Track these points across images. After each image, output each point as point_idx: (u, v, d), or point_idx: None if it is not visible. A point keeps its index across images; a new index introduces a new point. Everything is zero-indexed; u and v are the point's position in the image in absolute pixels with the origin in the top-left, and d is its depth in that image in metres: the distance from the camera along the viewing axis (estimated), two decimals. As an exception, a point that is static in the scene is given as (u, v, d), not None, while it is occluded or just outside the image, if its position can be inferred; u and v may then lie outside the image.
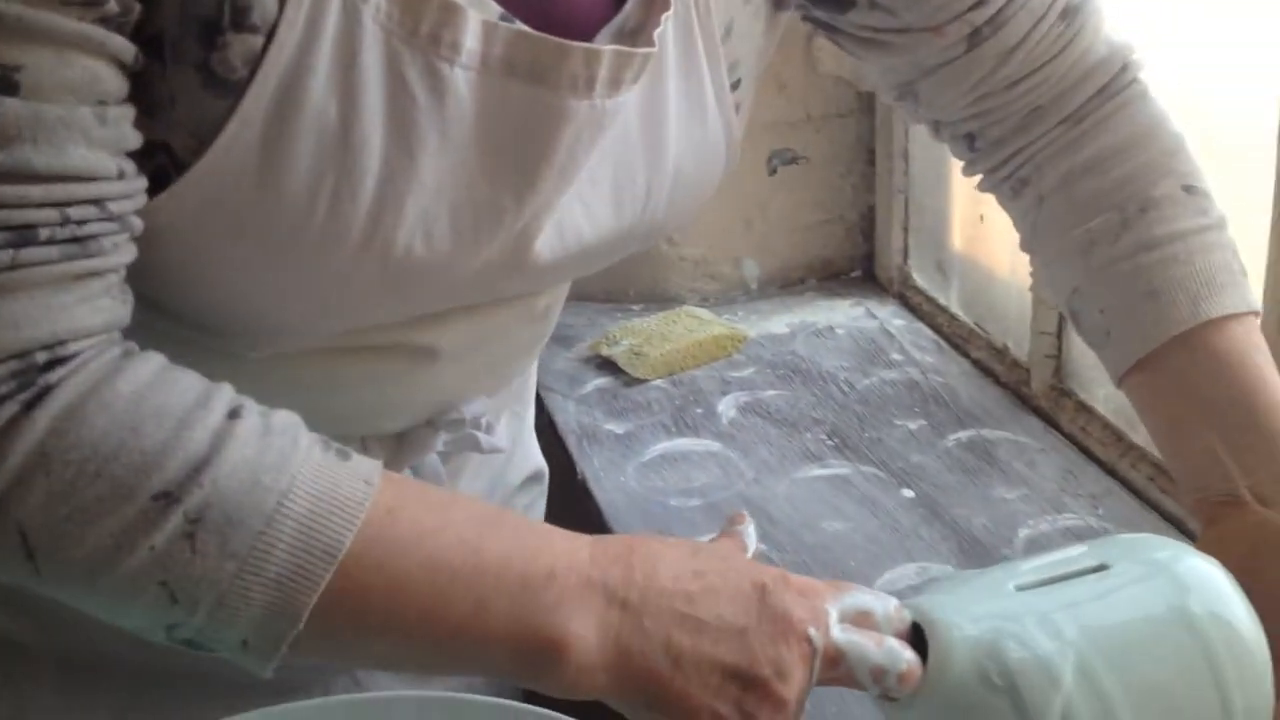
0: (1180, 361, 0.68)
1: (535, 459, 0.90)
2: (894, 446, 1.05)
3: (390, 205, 0.58)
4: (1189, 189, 0.70)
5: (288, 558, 0.51)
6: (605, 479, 1.01)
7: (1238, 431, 0.67)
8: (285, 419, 0.54)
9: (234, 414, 0.52)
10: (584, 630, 0.55)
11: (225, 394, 0.53)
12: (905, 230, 1.33)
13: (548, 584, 0.55)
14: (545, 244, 0.64)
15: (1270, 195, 0.83)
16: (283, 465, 0.52)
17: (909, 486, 0.99)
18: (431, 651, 0.56)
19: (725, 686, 0.56)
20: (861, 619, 0.58)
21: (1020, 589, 0.62)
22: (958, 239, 1.25)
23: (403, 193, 0.58)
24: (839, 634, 0.57)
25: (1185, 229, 0.69)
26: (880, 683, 0.57)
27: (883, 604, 0.59)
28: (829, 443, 1.06)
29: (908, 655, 0.58)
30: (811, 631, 0.56)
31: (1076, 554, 0.64)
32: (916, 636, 0.60)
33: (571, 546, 0.57)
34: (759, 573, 0.58)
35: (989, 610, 0.60)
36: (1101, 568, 0.63)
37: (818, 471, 1.02)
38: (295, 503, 0.51)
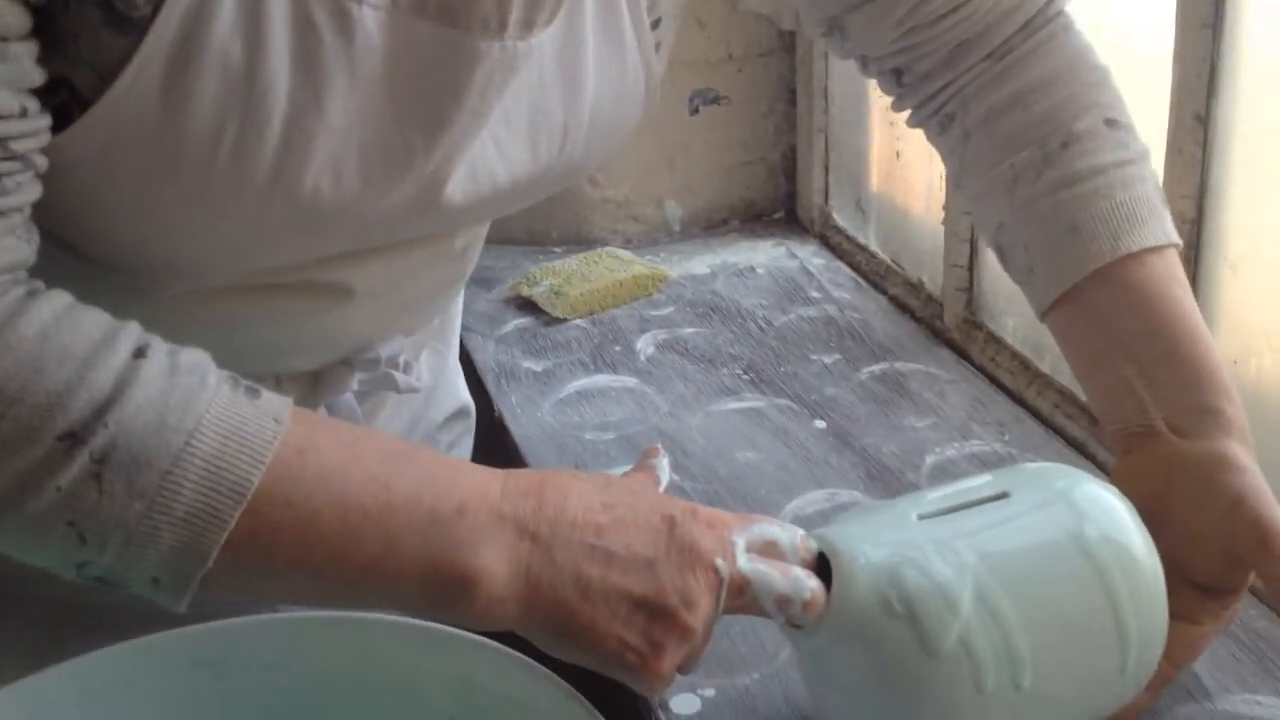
0: (1099, 296, 0.70)
1: (460, 396, 0.91)
2: (808, 380, 1.06)
3: (297, 146, 0.58)
4: (1111, 122, 0.71)
5: (195, 497, 0.51)
6: (522, 415, 1.02)
7: (1153, 365, 0.68)
8: (193, 357, 0.54)
9: (140, 353, 0.52)
10: (494, 563, 0.55)
11: (131, 332, 0.53)
12: (826, 169, 1.34)
13: (458, 519, 0.55)
14: (457, 186, 0.64)
15: (1166, 110, 0.84)
16: (189, 405, 0.52)
17: (821, 418, 1.00)
18: (343, 588, 0.57)
19: (633, 616, 0.57)
20: (768, 549, 0.60)
21: (922, 518, 0.63)
22: (876, 177, 1.26)
23: (310, 134, 0.58)
24: (745, 564, 0.58)
25: (1106, 163, 0.70)
26: (785, 611, 0.59)
27: (789, 534, 0.61)
28: (745, 378, 1.07)
29: (812, 584, 0.59)
30: (718, 562, 0.57)
31: (979, 484, 0.66)
32: (821, 566, 0.61)
33: (482, 481, 0.57)
34: (668, 505, 0.59)
35: (891, 539, 0.62)
36: (1002, 496, 0.65)
37: (733, 405, 1.03)
38: (202, 442, 0.52)
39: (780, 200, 1.40)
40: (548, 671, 0.60)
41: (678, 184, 1.36)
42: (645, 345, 1.13)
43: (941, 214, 1.11)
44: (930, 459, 0.94)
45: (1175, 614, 0.67)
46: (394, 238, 0.68)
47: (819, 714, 0.67)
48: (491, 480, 0.57)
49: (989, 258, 1.08)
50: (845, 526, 0.63)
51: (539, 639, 0.58)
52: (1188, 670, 0.71)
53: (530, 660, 0.61)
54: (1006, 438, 0.96)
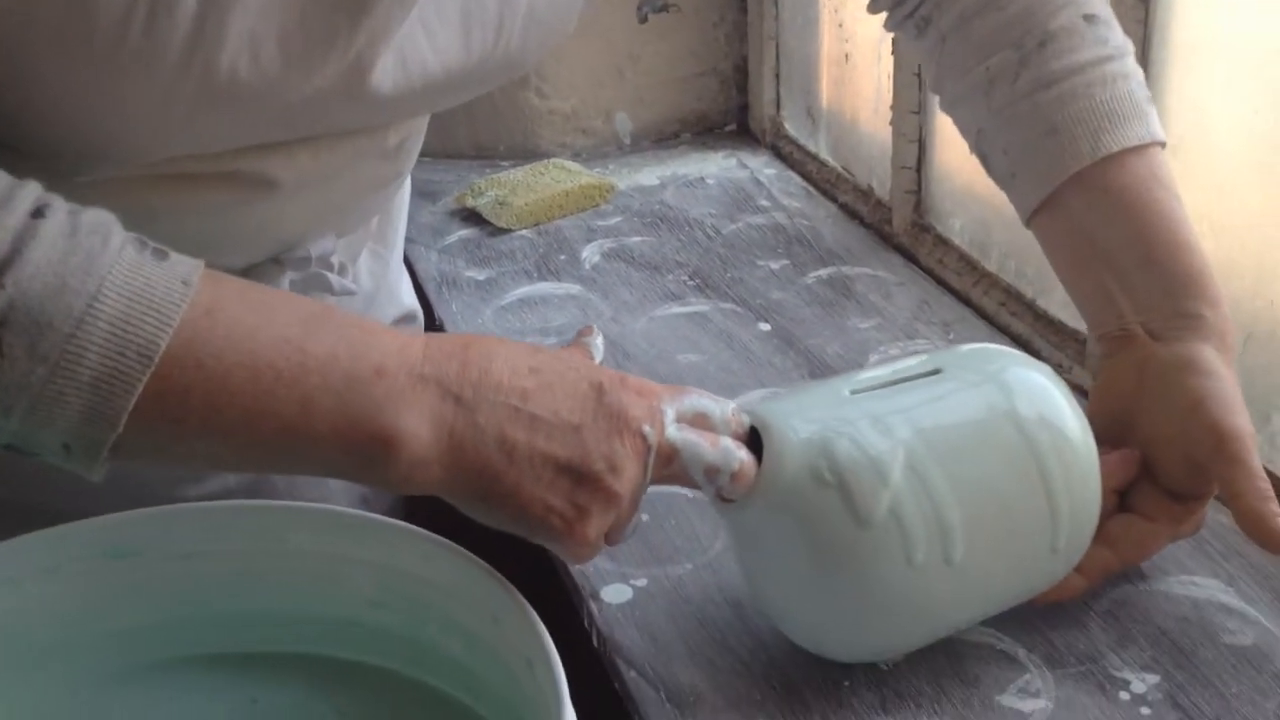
0: (1079, 201, 0.68)
1: (404, 303, 0.89)
2: (754, 285, 1.05)
3: (211, 24, 0.55)
4: (1089, 18, 0.69)
5: (101, 361, 0.50)
6: (462, 322, 1.00)
7: (1131, 271, 0.67)
8: (96, 217, 0.52)
9: (38, 213, 0.50)
10: (416, 425, 0.54)
11: (30, 192, 0.51)
12: (777, 78, 1.32)
13: (376, 380, 0.54)
14: (385, 73, 0.62)
15: None
16: (90, 266, 0.50)
17: (766, 320, 0.99)
18: (259, 451, 0.55)
19: (558, 480, 0.55)
20: (699, 420, 0.58)
21: (855, 393, 0.62)
22: (825, 83, 1.24)
23: (225, 11, 0.55)
24: (674, 432, 0.57)
25: (1084, 61, 0.68)
26: (714, 481, 0.57)
27: (720, 407, 0.59)
28: (690, 283, 1.06)
29: (742, 455, 0.58)
30: (646, 429, 0.56)
31: (913, 363, 0.65)
32: (754, 441, 0.60)
33: (402, 343, 0.56)
34: (597, 373, 0.57)
35: (823, 413, 0.61)
36: (935, 373, 0.64)
37: (676, 309, 1.01)
38: (105, 304, 0.50)
39: (732, 112, 1.38)
40: (470, 555, 0.59)
41: (627, 96, 1.34)
42: (591, 254, 1.11)
43: (890, 115, 1.09)
44: (874, 358, 0.93)
45: (1134, 508, 0.66)
46: (321, 128, 0.66)
47: (753, 593, 0.66)
48: (412, 343, 0.56)
49: (937, 159, 1.07)
50: (777, 403, 0.62)
51: (463, 504, 0.57)
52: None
53: (453, 544, 0.60)
54: (951, 336, 0.95)
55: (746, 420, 0.61)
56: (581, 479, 0.56)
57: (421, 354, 0.55)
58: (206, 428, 0.53)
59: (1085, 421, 0.64)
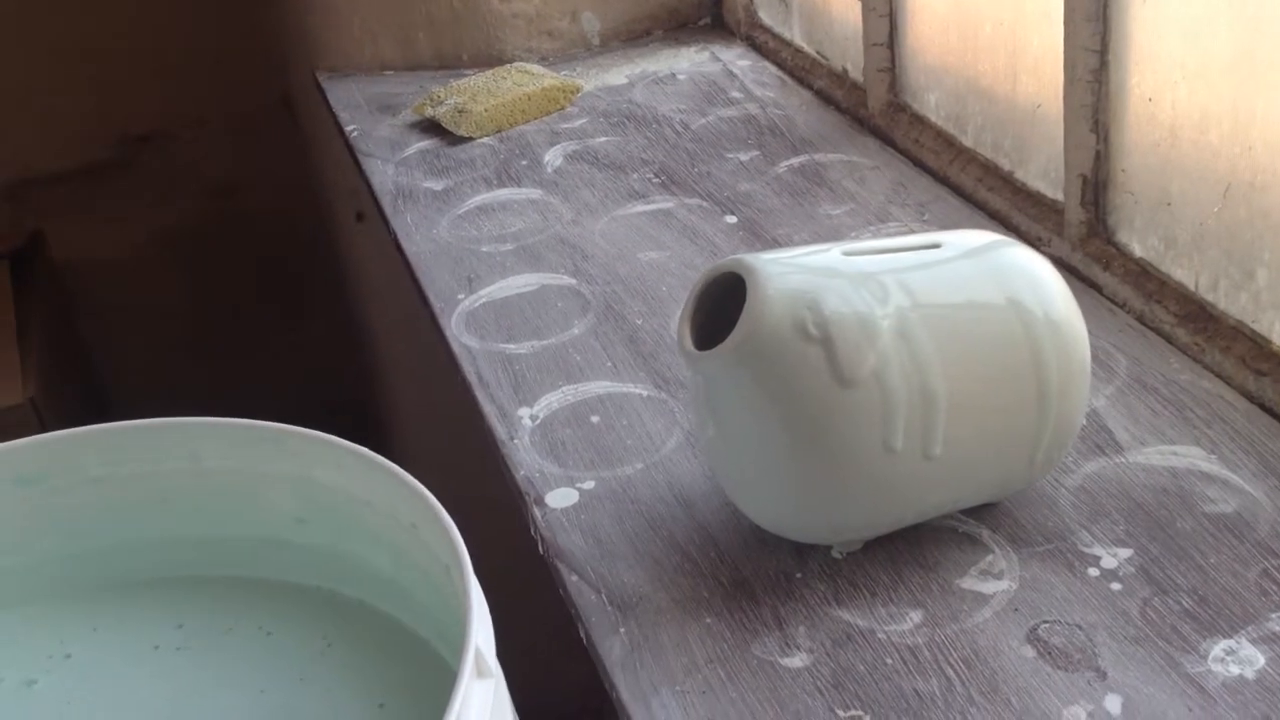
0: None
1: None
2: (722, 178, 1.00)
3: None
4: None
5: None
6: (416, 233, 0.96)
7: None
8: None
9: None
10: None
11: None
12: (748, -34, 1.26)
13: None
14: None
15: None
16: None
17: (732, 213, 0.94)
18: None
19: None
20: None
21: (849, 255, 0.58)
22: (797, -34, 1.18)
23: None
24: None
25: None
26: None
27: None
28: (655, 181, 1.01)
29: None
30: None
31: (910, 238, 0.61)
32: (738, 292, 0.56)
33: None
34: None
35: (814, 269, 0.57)
36: (935, 246, 0.60)
37: (640, 208, 0.97)
38: None
39: (706, 6, 1.32)
40: (385, 461, 0.56)
41: (593, -5, 1.28)
42: (553, 157, 1.07)
43: (859, -8, 1.03)
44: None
45: None
46: None
47: (712, 461, 0.61)
48: None
49: (909, 34, 1.01)
50: (764, 254, 0.58)
51: None
52: (1097, 426, 0.67)
53: (368, 451, 0.57)
54: (926, 217, 0.90)
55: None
56: None
57: None
58: None
59: (1076, 305, 0.59)
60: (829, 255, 0.58)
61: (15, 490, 0.61)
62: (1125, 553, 0.58)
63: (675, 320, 0.82)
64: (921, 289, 0.57)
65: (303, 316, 2.08)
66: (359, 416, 1.86)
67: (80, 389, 1.82)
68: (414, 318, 1.20)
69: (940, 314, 0.56)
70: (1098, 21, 0.75)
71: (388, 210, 1.00)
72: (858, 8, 1.05)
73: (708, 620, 0.58)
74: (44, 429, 1.42)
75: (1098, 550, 0.59)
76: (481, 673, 0.46)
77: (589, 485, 0.68)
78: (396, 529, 0.57)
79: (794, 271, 0.56)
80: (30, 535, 0.61)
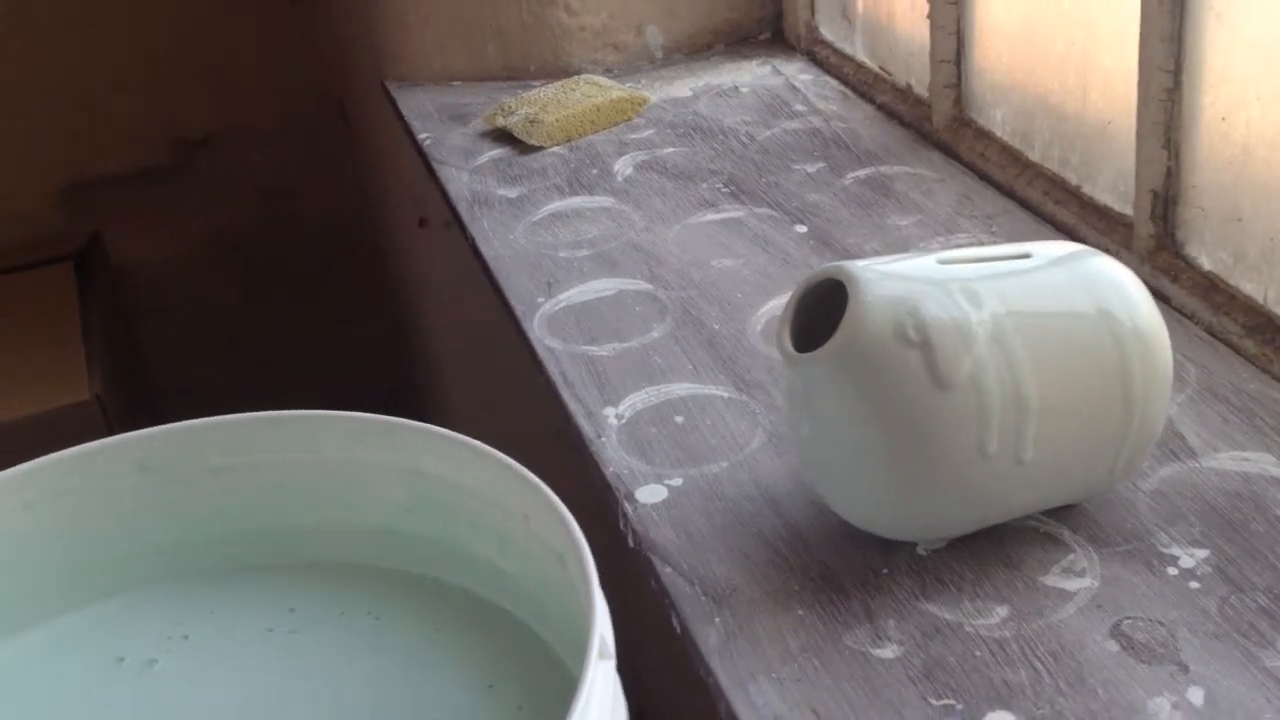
0: None
1: None
2: (790, 189, 1.02)
3: None
4: None
5: None
6: (494, 238, 0.99)
7: None
8: None
9: None
10: None
11: None
12: (810, -17, 1.29)
13: None
14: None
15: None
16: None
17: (802, 223, 0.97)
18: None
19: None
20: None
21: (944, 264, 0.61)
22: (860, -17, 1.21)
23: None
24: None
25: None
26: None
27: None
28: (724, 190, 1.04)
29: None
30: None
31: (1000, 248, 0.64)
32: (838, 298, 0.58)
33: None
34: None
35: (912, 276, 0.59)
36: (1025, 256, 0.62)
37: (711, 216, 1.00)
38: None
39: (767, 20, 1.35)
40: (498, 454, 0.59)
41: (658, 8, 1.31)
42: (623, 166, 1.10)
43: (927, 9, 1.06)
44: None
45: None
46: None
47: (805, 459, 0.64)
48: None
49: (975, 51, 1.04)
50: (863, 262, 0.61)
51: None
52: (1171, 432, 0.69)
53: (480, 444, 0.60)
54: (994, 229, 0.93)
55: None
56: None
57: None
58: None
59: (1168, 335, 0.62)
60: (925, 263, 0.60)
61: (137, 477, 0.64)
62: (1202, 553, 0.61)
63: (751, 325, 0.84)
64: (1014, 297, 0.59)
65: (350, 319, 2.11)
66: (410, 415, 1.89)
67: (136, 386, 1.86)
68: (482, 320, 1.24)
69: (1033, 321, 0.59)
70: (1172, 43, 0.77)
71: (465, 216, 1.03)
72: (924, 25, 1.07)
73: (799, 612, 0.60)
74: (108, 425, 1.46)
75: (1175, 550, 0.61)
76: (603, 654, 0.49)
77: (676, 482, 0.70)
78: (506, 519, 0.59)
79: (893, 279, 0.59)
80: (150, 521, 0.64)
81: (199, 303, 2.04)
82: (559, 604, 0.57)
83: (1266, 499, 0.64)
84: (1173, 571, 0.60)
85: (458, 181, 1.10)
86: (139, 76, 1.88)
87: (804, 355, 0.58)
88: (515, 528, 0.59)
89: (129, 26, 1.86)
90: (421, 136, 1.19)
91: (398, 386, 2.09)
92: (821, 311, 0.60)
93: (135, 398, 1.79)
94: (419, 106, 1.26)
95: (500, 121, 1.17)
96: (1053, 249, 0.64)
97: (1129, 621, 0.58)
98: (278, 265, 2.06)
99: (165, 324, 2.03)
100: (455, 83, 1.31)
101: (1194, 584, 0.59)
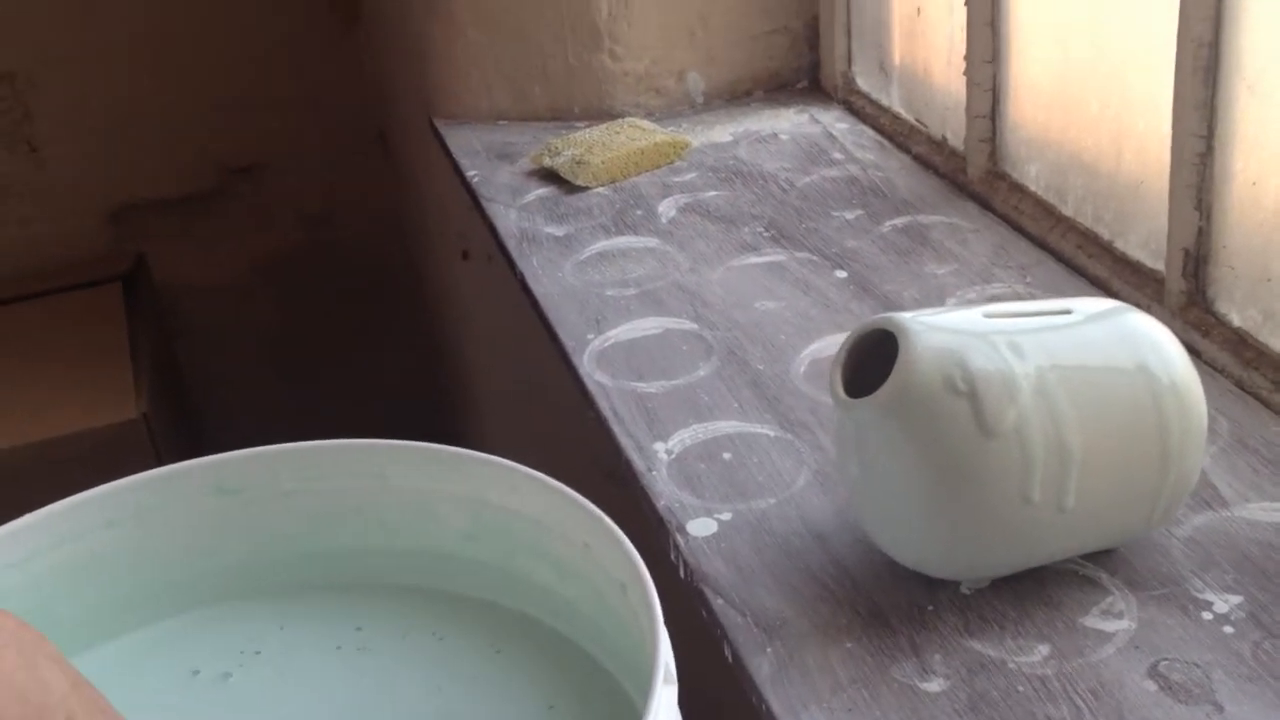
0: None
1: None
2: (830, 235, 1.06)
3: None
4: None
5: None
6: (543, 275, 1.03)
7: None
8: None
9: None
10: None
11: None
12: (849, 34, 1.32)
13: None
14: None
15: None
16: None
17: (842, 268, 1.00)
18: None
19: None
20: None
21: (990, 317, 0.64)
22: (897, 37, 1.25)
23: None
24: None
25: None
26: None
27: None
28: (766, 234, 1.07)
29: None
30: None
31: (1041, 303, 0.67)
32: (888, 348, 0.61)
33: None
34: None
35: (959, 328, 0.62)
36: (1066, 313, 0.65)
37: (753, 259, 1.03)
38: None
39: (804, 70, 1.39)
40: (559, 485, 0.61)
41: (699, 55, 1.35)
42: (667, 208, 1.13)
43: (963, 65, 1.09)
44: (951, 301, 0.94)
45: None
46: None
47: (855, 500, 0.67)
48: None
49: (1010, 108, 1.07)
50: (911, 313, 0.64)
51: None
52: (1204, 482, 0.72)
53: (542, 475, 0.62)
54: (1029, 279, 0.96)
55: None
56: None
57: None
58: None
59: (1205, 404, 0.64)
60: (971, 316, 0.63)
61: (215, 499, 0.67)
62: (1235, 599, 0.63)
63: (795, 366, 0.87)
64: (1057, 350, 0.62)
65: (389, 346, 2.15)
66: (444, 441, 1.92)
67: (180, 407, 1.90)
68: (524, 352, 1.27)
69: (1074, 375, 0.62)
70: (1205, 110, 0.81)
71: (514, 252, 1.07)
72: (960, 80, 1.11)
73: (848, 645, 0.63)
74: (154, 444, 1.49)
75: (1210, 596, 0.64)
76: (667, 680, 0.52)
77: (726, 516, 0.73)
78: (566, 547, 0.62)
79: (941, 330, 0.62)
80: (225, 540, 0.67)
81: (239, 325, 2.08)
82: (619, 630, 0.60)
83: (1296, 549, 0.66)
84: (1207, 616, 0.62)
85: (505, 218, 1.13)
86: (187, 104, 1.93)
87: (856, 400, 0.61)
88: (576, 556, 0.62)
89: (179, 56, 1.91)
90: (470, 173, 1.23)
91: (436, 413, 2.12)
92: (871, 358, 0.63)
93: (179, 418, 1.82)
94: (466, 144, 1.30)
95: (547, 161, 1.21)
96: (1092, 305, 0.67)
97: (1166, 663, 0.60)
98: (317, 290, 2.10)
99: (205, 345, 2.07)
100: (501, 121, 1.35)
101: (1228, 628, 0.62)
